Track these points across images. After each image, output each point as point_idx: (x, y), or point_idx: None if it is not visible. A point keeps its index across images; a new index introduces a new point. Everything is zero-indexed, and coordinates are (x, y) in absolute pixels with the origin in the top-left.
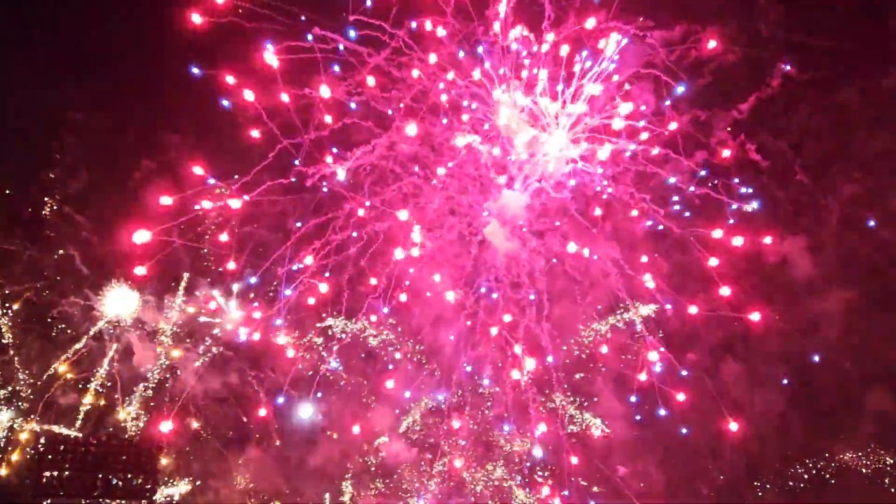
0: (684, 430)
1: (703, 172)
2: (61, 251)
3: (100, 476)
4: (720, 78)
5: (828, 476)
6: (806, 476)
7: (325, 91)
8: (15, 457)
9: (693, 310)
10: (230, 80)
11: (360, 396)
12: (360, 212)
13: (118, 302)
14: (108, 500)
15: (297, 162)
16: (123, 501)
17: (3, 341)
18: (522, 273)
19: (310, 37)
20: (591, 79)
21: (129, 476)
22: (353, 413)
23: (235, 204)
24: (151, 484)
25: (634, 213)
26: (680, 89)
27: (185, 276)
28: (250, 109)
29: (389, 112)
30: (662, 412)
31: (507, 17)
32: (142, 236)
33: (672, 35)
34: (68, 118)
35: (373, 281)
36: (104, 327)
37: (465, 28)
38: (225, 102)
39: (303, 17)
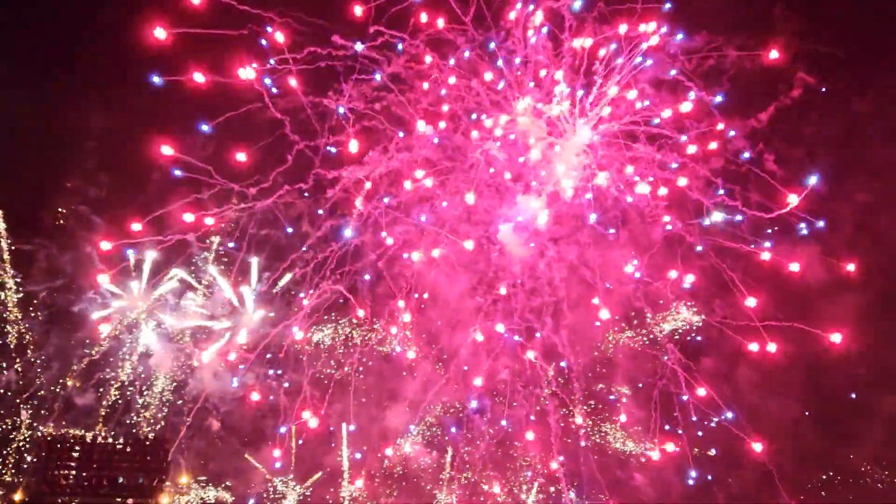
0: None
1: (720, 191)
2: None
3: (106, 474)
4: (736, 86)
5: (840, 487)
6: (820, 484)
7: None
8: (29, 457)
9: (768, 349)
10: (198, 80)
11: (377, 400)
12: (389, 240)
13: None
14: (116, 499)
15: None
16: (130, 500)
17: (23, 342)
18: (537, 279)
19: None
20: (615, 80)
21: (136, 475)
22: (371, 417)
23: (209, 220)
24: (158, 483)
25: (667, 218)
26: (718, 99)
27: (204, 278)
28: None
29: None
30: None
31: (526, 21)
32: (105, 246)
33: (692, 44)
34: (85, 122)
35: (400, 304)
36: (122, 328)
37: (482, 35)
38: (205, 127)
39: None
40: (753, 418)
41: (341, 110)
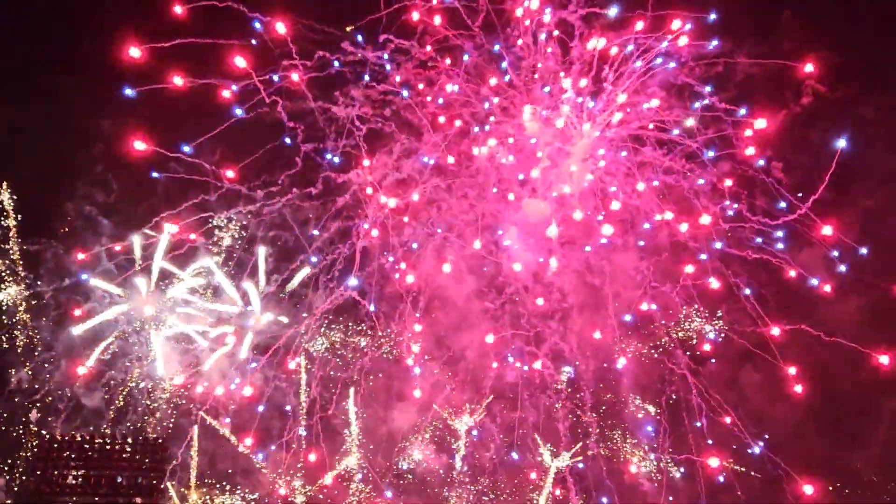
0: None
1: (733, 206)
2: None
3: (106, 474)
4: (743, 92)
5: (847, 494)
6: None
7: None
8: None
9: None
10: (177, 83)
11: (385, 402)
12: (401, 265)
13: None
14: (117, 499)
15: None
16: (139, 499)
17: (32, 343)
18: (547, 284)
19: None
20: (626, 85)
21: (135, 475)
22: (380, 418)
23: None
24: (158, 482)
25: (684, 227)
26: (742, 111)
27: (212, 280)
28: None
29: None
30: None
31: (537, 29)
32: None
33: (702, 50)
34: (96, 125)
35: (417, 328)
36: (130, 330)
37: (490, 40)
38: (186, 148)
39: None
40: (759, 424)
41: (334, 159)
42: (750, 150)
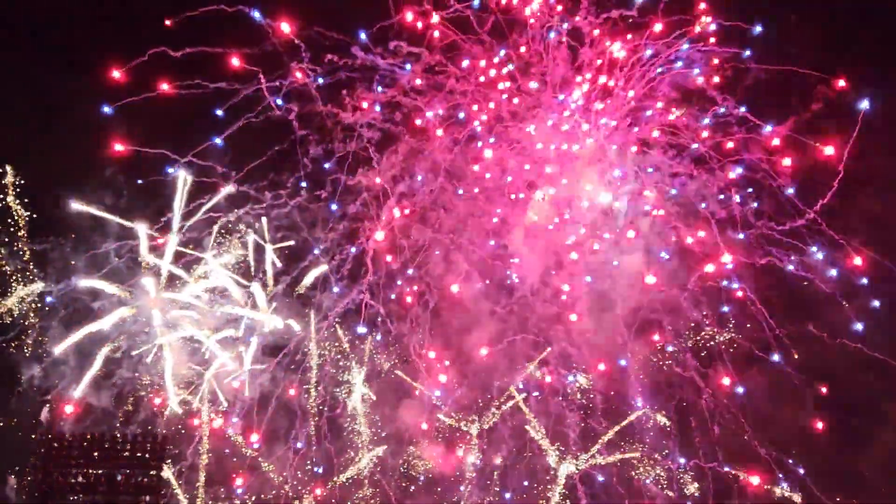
0: None
1: (754, 204)
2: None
3: (105, 473)
4: (749, 97)
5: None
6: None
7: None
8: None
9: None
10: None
11: (393, 403)
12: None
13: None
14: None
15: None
16: (147, 497)
17: (42, 344)
18: (553, 288)
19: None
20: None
21: (135, 473)
22: (388, 418)
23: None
24: (157, 481)
25: (702, 234)
26: (768, 128)
27: (218, 280)
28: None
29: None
30: None
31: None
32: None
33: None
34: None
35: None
36: (138, 331)
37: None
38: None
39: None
40: (765, 428)
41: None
42: (786, 161)
